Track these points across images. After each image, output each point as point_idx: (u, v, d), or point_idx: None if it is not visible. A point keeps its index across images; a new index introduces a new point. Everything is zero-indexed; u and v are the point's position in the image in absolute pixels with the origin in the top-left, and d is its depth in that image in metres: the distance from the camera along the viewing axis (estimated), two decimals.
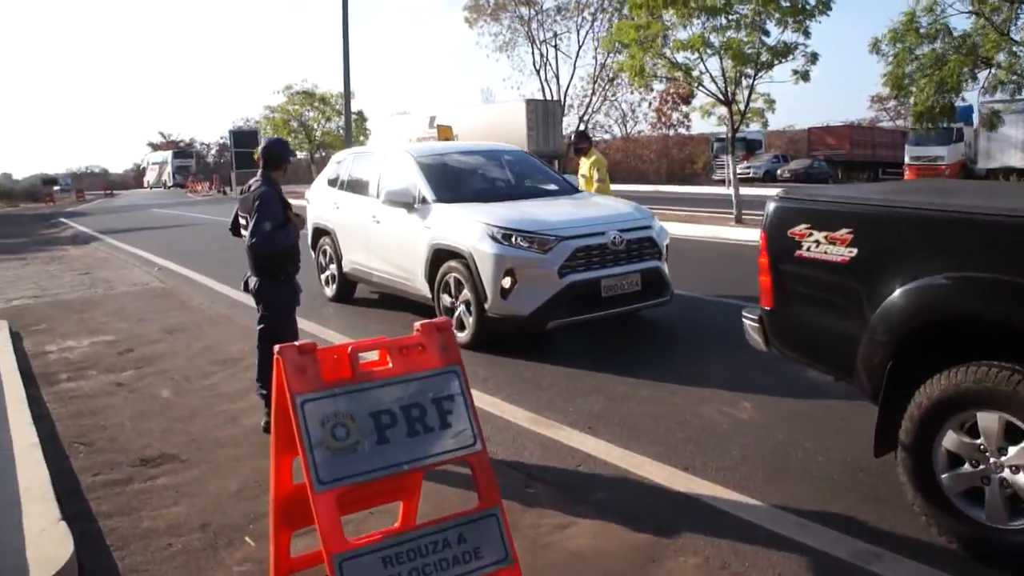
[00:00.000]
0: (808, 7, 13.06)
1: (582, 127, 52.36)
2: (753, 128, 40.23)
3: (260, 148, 5.15)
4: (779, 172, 40.79)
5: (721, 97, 14.62)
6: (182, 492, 4.28)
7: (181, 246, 16.91)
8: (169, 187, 62.11)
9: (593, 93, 50.54)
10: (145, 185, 72.13)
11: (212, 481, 4.41)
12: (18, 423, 5.16)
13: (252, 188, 4.95)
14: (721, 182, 38.22)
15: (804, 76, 14.12)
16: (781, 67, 14.45)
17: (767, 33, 13.25)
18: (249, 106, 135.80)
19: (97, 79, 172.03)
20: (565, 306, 6.41)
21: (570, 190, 8.08)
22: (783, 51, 13.44)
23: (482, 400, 5.36)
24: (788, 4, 13.03)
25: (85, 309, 9.71)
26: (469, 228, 6.60)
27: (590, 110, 51.43)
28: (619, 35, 14.80)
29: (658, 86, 50.89)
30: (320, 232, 9.14)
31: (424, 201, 7.22)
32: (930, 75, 13.10)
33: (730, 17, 13.33)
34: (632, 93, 50.58)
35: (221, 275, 11.77)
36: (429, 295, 7.16)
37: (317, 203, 9.26)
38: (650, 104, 52.92)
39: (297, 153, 32.54)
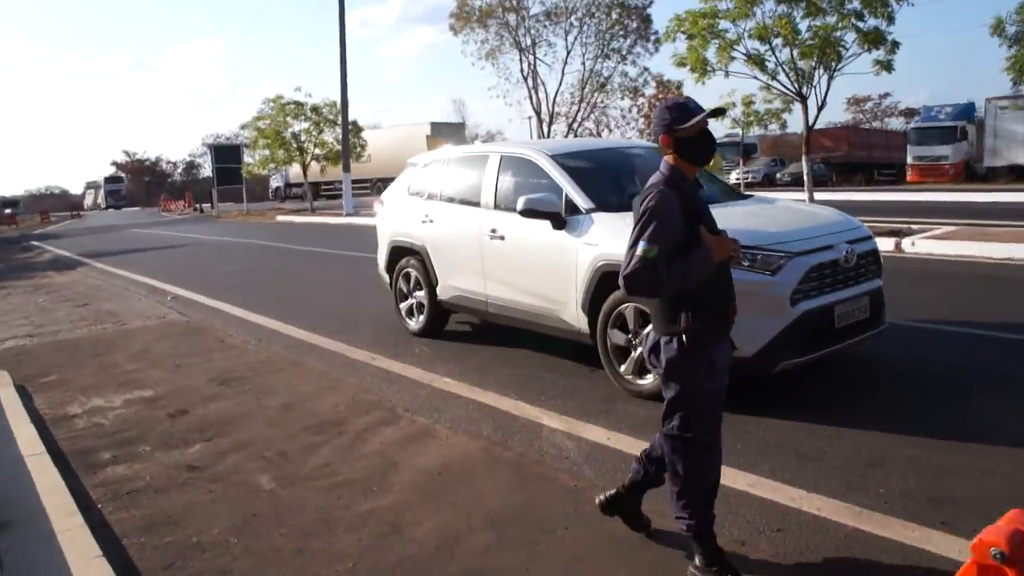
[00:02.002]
0: None
1: (570, 135, 51.01)
2: (736, 131, 39.37)
3: (662, 118, 2.99)
4: (778, 175, 39.99)
5: (794, 92, 13.17)
6: None
7: (183, 269, 14.98)
8: (104, 208, 68.51)
9: (581, 100, 49.27)
10: (85, 207, 74.79)
11: None
12: (79, 553, 3.39)
13: (647, 187, 3.03)
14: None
15: (887, 67, 12.71)
16: (857, 59, 13.07)
17: (862, 18, 11.79)
18: (221, 123, 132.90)
19: (56, 95, 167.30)
20: (797, 342, 4.81)
21: (740, 195, 6.47)
22: (875, 39, 12.00)
23: (762, 485, 3.78)
24: None
25: (101, 352, 7.87)
26: None
27: (579, 117, 50.12)
28: (679, 24, 13.27)
29: (649, 91, 50.26)
30: (401, 252, 7.41)
31: (576, 210, 5.57)
32: None
33: (818, 3, 11.88)
34: (622, 99, 49.54)
35: (252, 303, 9.99)
36: (585, 330, 5.50)
37: (395, 217, 7.54)
38: (639, 110, 51.85)
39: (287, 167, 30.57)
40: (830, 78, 12.73)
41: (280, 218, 30.39)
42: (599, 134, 52.21)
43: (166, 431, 5.25)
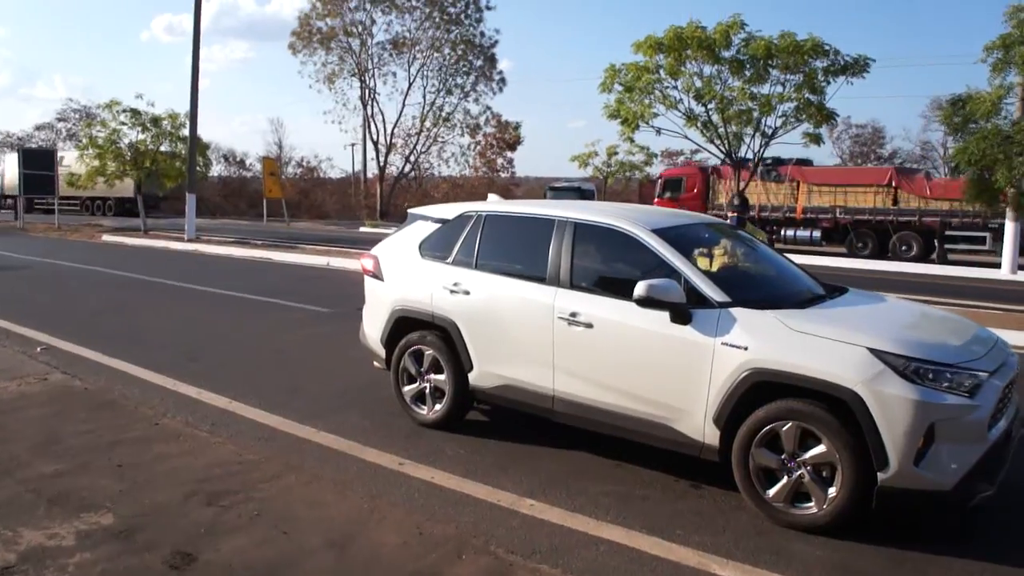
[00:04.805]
0: (848, 64, 11.87)
1: (407, 167, 50.06)
2: (577, 176, 40.28)
3: None
4: None
5: (727, 155, 13.05)
6: None
7: (32, 305, 12.17)
8: None
9: (420, 132, 48.55)
10: None
11: None
12: None
13: None
14: None
15: (817, 139, 12.92)
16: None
17: (815, 91, 11.85)
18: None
19: None
20: (987, 471, 4.23)
21: (838, 288, 5.73)
22: (828, 116, 12.15)
23: None
24: (827, 63, 11.79)
25: None
26: (842, 354, 4.17)
27: (417, 149, 49.34)
28: (613, 75, 12.79)
29: (489, 129, 50.40)
30: (413, 324, 6.14)
31: (703, 302, 4.67)
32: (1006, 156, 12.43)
33: (765, 73, 11.85)
34: (462, 135, 49.52)
35: (163, 364, 8.17)
36: (712, 444, 4.60)
37: (402, 281, 6.26)
38: (477, 146, 51.99)
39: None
40: (765, 145, 12.74)
41: (106, 238, 26.92)
42: (419, 168, 51.56)
43: None
